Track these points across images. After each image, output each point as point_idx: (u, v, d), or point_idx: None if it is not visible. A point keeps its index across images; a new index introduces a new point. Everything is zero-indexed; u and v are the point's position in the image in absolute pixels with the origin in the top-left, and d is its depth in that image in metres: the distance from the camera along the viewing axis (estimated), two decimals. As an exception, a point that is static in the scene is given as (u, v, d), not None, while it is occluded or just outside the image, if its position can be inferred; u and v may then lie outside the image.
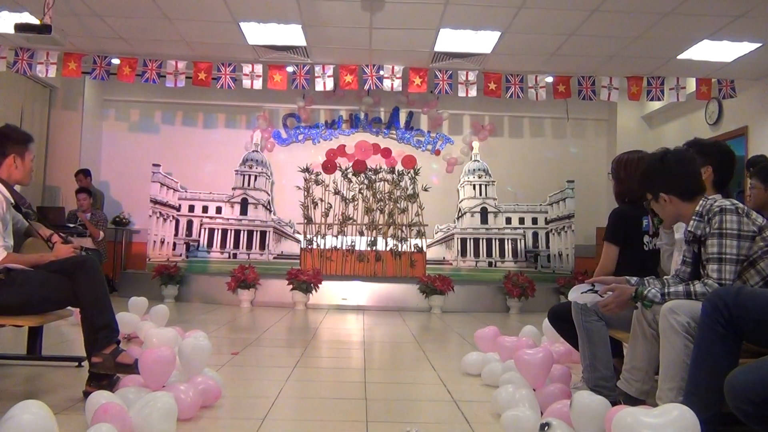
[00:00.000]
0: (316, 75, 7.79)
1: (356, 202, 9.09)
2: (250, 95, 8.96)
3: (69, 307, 3.11)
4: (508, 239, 9.16)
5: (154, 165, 8.76)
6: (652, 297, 2.48)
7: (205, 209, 9.09)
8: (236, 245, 9.01)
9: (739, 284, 2.36)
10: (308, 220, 9.00)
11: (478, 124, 9.94)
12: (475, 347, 4.23)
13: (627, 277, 2.76)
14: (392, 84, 7.79)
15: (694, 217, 2.51)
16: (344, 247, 8.86)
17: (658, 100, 8.09)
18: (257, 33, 7.06)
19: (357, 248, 8.86)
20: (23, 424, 1.86)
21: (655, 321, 2.54)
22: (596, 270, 3.31)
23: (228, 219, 9.10)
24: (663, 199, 2.57)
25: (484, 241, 9.17)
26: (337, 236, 8.98)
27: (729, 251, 2.35)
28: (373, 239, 8.93)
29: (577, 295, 2.85)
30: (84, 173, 8.53)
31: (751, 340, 2.18)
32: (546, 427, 2.23)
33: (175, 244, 8.88)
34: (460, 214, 9.38)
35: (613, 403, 2.35)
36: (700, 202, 2.51)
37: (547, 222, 9.15)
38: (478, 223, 9.26)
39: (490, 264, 9.09)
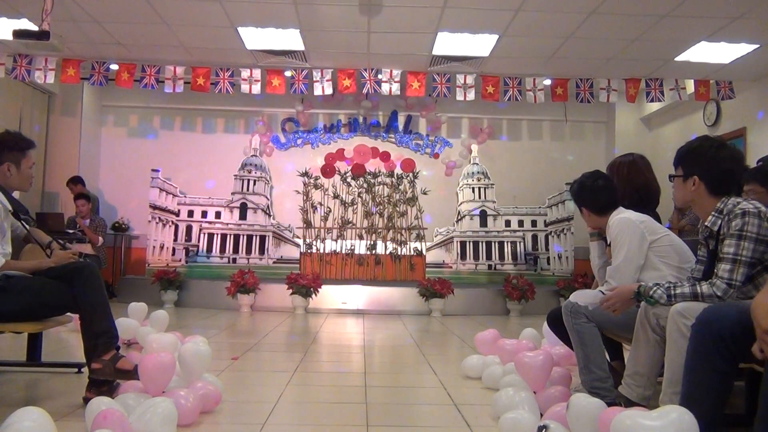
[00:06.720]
0: (314, 79, 7.81)
1: (355, 206, 9.09)
2: (249, 100, 8.98)
3: (68, 313, 3.11)
4: (507, 242, 9.16)
5: (153, 170, 8.75)
6: (658, 297, 2.48)
7: (204, 214, 9.09)
8: (236, 250, 9.01)
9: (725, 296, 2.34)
10: (307, 224, 9.00)
11: (476, 127, 9.95)
12: (476, 350, 4.23)
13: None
14: (390, 88, 7.80)
15: (713, 213, 2.49)
16: (344, 251, 8.86)
17: (659, 101, 8.09)
18: (255, 38, 7.08)
19: (356, 252, 8.86)
20: (23, 430, 1.86)
21: (659, 326, 2.53)
22: None
23: (227, 224, 9.10)
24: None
25: (484, 244, 9.16)
26: (336, 240, 8.97)
27: (745, 253, 2.33)
28: (372, 243, 8.93)
29: (580, 296, 2.87)
30: (74, 181, 8.45)
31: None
32: (543, 430, 2.23)
33: (174, 249, 8.87)
34: (459, 217, 9.38)
35: (610, 404, 2.35)
36: (722, 199, 2.48)
37: (546, 224, 9.15)
38: (478, 226, 9.26)
39: (489, 267, 9.09)
